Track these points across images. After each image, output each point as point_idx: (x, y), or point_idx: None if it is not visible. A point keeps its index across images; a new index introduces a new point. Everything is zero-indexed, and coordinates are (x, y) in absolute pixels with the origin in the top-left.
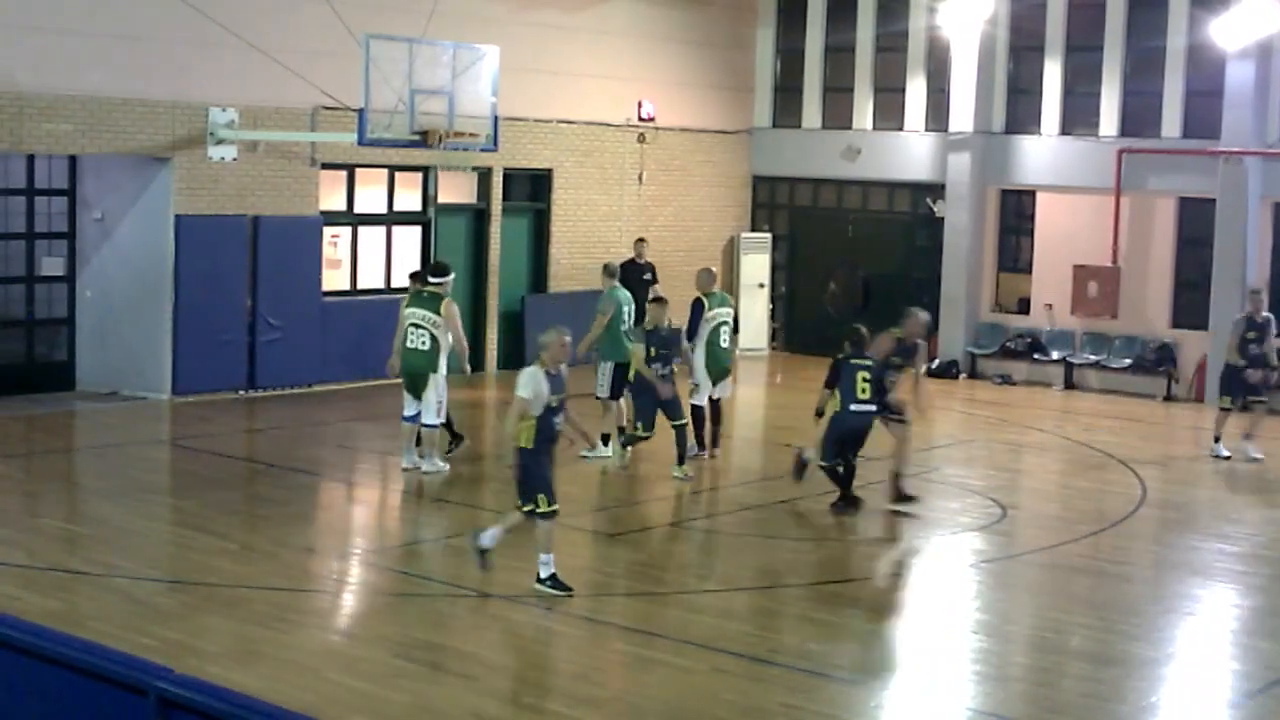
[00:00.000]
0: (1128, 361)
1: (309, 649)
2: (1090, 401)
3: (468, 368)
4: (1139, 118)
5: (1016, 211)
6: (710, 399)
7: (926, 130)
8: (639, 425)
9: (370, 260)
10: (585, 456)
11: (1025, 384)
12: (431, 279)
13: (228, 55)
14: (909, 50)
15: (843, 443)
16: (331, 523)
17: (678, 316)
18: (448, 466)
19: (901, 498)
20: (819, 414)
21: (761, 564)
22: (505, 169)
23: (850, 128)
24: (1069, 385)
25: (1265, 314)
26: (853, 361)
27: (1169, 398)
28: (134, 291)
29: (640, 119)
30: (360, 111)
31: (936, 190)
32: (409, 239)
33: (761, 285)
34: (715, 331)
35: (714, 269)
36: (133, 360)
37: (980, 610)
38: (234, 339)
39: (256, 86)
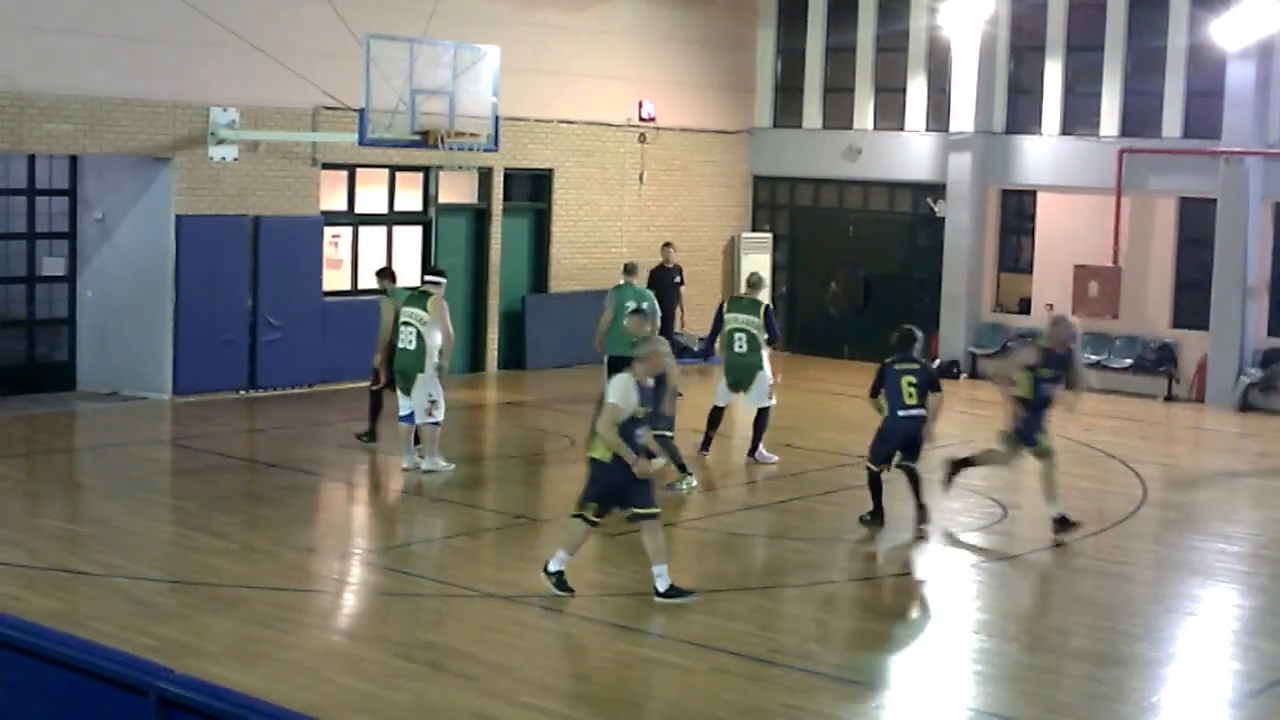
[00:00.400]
0: (1128, 361)
1: (309, 649)
2: (1091, 401)
3: (448, 362)
4: (1140, 118)
5: (1017, 211)
6: (758, 408)
7: (927, 130)
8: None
9: (371, 260)
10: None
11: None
12: (427, 278)
13: (229, 55)
14: (910, 50)
15: (894, 449)
16: (332, 523)
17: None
18: (451, 466)
19: (1064, 524)
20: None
21: (761, 564)
22: (506, 169)
23: (851, 128)
24: (1070, 385)
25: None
26: (897, 367)
27: (1170, 398)
28: (135, 291)
29: (641, 119)
30: (361, 111)
31: (937, 190)
32: (410, 239)
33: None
34: (729, 337)
35: (761, 273)
36: (133, 360)
37: (981, 610)
38: (235, 339)
39: (257, 86)
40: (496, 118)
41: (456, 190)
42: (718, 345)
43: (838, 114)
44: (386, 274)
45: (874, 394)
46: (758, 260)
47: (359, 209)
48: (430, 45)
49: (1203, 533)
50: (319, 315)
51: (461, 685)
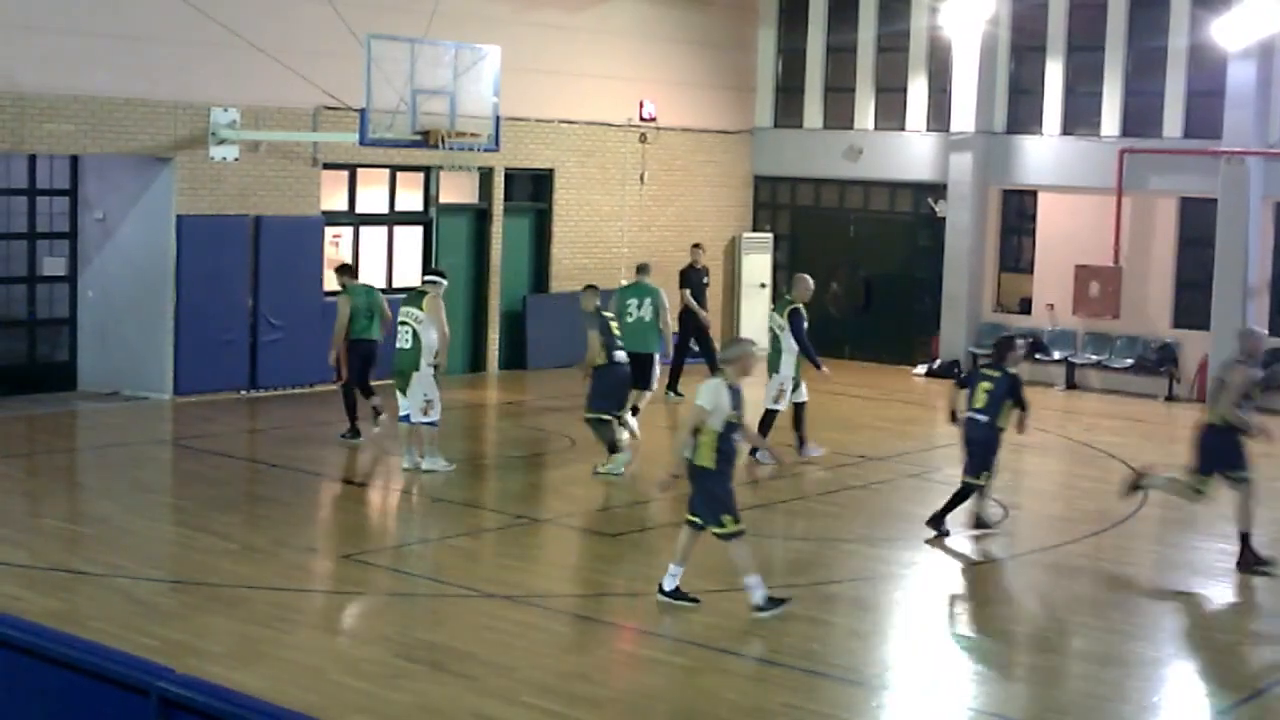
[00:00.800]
0: (1129, 362)
1: (310, 649)
2: (1092, 402)
3: (444, 362)
4: (1140, 118)
5: (1018, 211)
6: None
7: (928, 130)
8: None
9: (372, 260)
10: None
11: (1027, 384)
12: (426, 278)
13: (229, 55)
14: (910, 50)
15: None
16: (332, 523)
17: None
18: (451, 466)
19: (1256, 560)
20: (953, 418)
21: (762, 564)
22: (507, 169)
23: (852, 128)
24: (1070, 385)
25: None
26: (983, 371)
27: (1170, 398)
28: (135, 291)
29: (642, 119)
30: (362, 111)
31: (938, 190)
32: (411, 239)
33: (763, 285)
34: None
35: (809, 278)
36: (134, 360)
37: (982, 610)
38: (236, 339)
39: (258, 86)
40: (497, 118)
41: (457, 190)
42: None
43: (838, 114)
44: (346, 270)
45: (960, 387)
46: (759, 260)
47: (360, 209)
48: (431, 45)
49: (1203, 533)
50: (320, 315)
51: (461, 685)
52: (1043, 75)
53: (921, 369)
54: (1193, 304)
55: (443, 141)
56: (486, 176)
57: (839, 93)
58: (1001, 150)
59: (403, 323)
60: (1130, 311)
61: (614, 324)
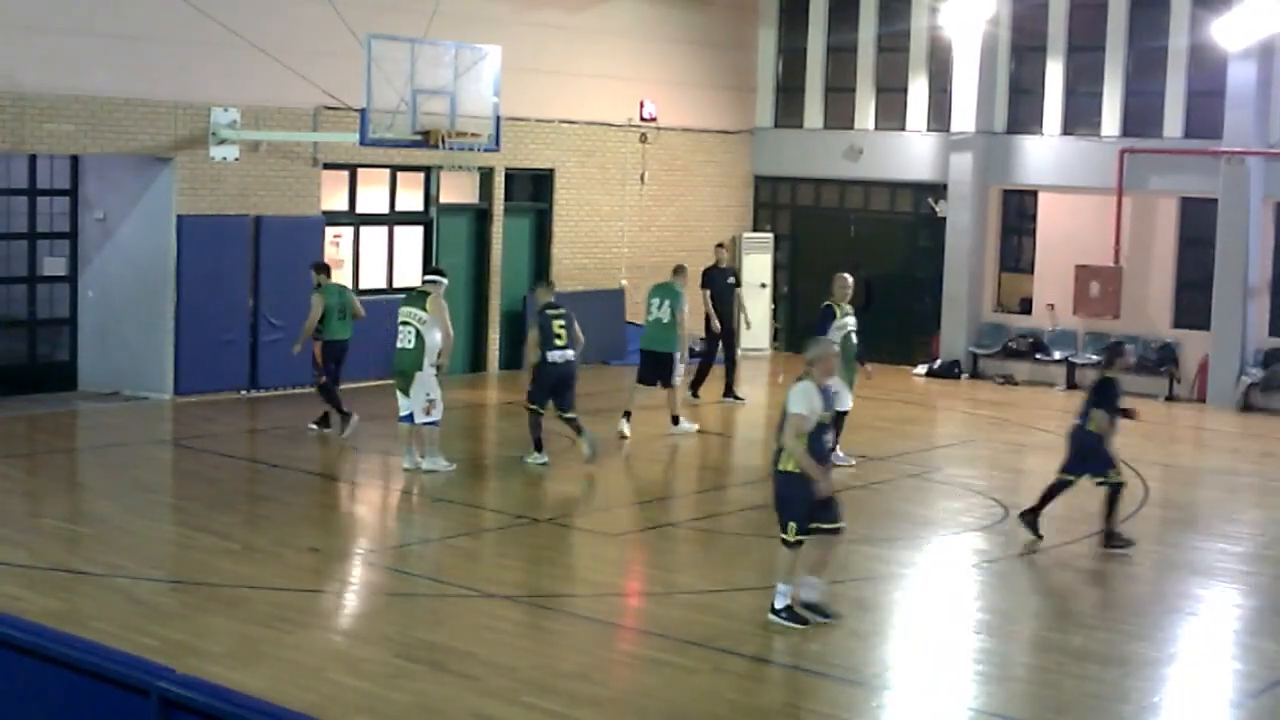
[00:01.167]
0: (1129, 362)
1: (310, 649)
2: None
3: (447, 362)
4: (1141, 118)
5: (1018, 211)
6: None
7: (928, 130)
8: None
9: (372, 260)
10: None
11: (1027, 384)
12: (427, 277)
13: (230, 55)
14: (911, 50)
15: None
16: (333, 523)
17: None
18: (451, 466)
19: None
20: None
21: (762, 564)
22: (507, 169)
23: (852, 128)
24: (1071, 385)
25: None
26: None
27: (1171, 398)
28: (136, 291)
29: (642, 119)
30: (362, 111)
31: (938, 190)
32: (411, 239)
33: (764, 285)
34: (846, 340)
35: (849, 276)
36: (134, 360)
37: (982, 610)
38: (236, 339)
39: (258, 86)
40: (497, 118)
41: (458, 190)
42: None
43: (839, 114)
44: (321, 268)
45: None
46: (759, 260)
47: (360, 209)
48: (431, 45)
49: (1204, 533)
50: None
51: (461, 685)
52: (1043, 75)
53: (922, 369)
54: (1193, 304)
55: (443, 141)
56: (487, 176)
57: (839, 93)
58: (1002, 150)
59: (405, 323)
60: (1130, 311)
61: (557, 324)
